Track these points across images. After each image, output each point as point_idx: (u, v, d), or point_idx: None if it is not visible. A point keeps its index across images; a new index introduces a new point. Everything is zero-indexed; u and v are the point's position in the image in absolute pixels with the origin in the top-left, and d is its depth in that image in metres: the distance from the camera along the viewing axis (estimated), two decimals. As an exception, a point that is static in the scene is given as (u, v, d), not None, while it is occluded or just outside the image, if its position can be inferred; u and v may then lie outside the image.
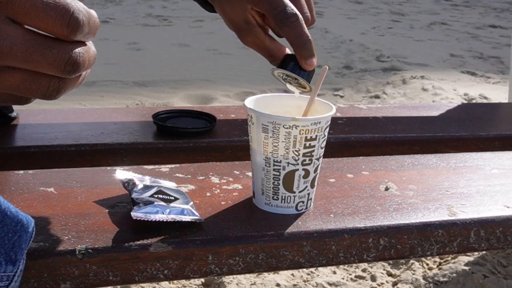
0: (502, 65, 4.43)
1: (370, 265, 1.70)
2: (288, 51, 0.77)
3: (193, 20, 5.95)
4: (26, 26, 0.44)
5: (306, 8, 0.76)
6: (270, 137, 0.67)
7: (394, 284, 1.61)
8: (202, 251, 0.63)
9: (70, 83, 0.47)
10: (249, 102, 0.71)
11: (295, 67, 0.73)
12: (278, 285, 1.57)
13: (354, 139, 1.06)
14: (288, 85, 0.77)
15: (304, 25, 0.73)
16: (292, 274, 1.64)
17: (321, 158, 0.71)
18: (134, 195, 0.67)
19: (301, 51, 0.72)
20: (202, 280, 1.59)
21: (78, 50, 0.46)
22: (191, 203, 0.69)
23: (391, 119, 1.17)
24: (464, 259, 1.67)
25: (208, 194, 0.75)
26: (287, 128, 0.66)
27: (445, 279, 1.60)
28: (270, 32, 0.80)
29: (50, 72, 0.45)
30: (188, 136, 1.00)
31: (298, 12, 0.72)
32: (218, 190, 0.76)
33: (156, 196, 0.68)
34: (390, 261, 1.71)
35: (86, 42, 0.47)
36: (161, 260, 0.62)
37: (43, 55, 0.44)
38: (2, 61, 0.43)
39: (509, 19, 6.92)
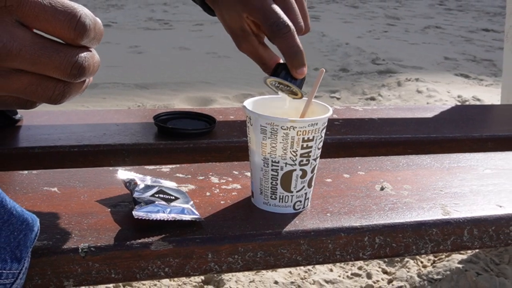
0: (495, 67, 4.43)
1: (366, 263, 1.70)
2: (281, 60, 0.78)
3: (193, 24, 5.96)
4: (34, 30, 0.45)
5: (300, 17, 0.76)
6: (268, 138, 0.67)
7: (390, 281, 1.61)
8: (202, 249, 0.63)
9: (74, 88, 0.48)
10: (248, 104, 0.71)
11: (287, 75, 0.73)
12: (276, 282, 1.57)
13: (350, 140, 1.06)
14: (280, 93, 0.77)
15: (296, 36, 0.73)
16: (290, 272, 1.64)
17: (318, 158, 0.71)
18: (135, 195, 0.68)
19: (292, 61, 0.72)
20: (202, 277, 1.59)
21: (83, 54, 0.46)
22: (191, 202, 0.69)
23: (386, 121, 1.18)
24: (457, 257, 1.67)
25: (207, 193, 0.75)
26: (285, 129, 0.66)
27: (439, 276, 1.60)
28: (266, 41, 0.80)
29: (56, 75, 0.45)
30: (188, 137, 1.00)
31: (290, 24, 0.72)
32: (218, 190, 0.76)
33: (157, 195, 0.68)
34: (386, 259, 1.71)
35: (91, 49, 0.48)
36: (162, 258, 0.62)
37: (50, 57, 0.44)
38: (11, 62, 0.44)
39: (502, 23, 6.92)
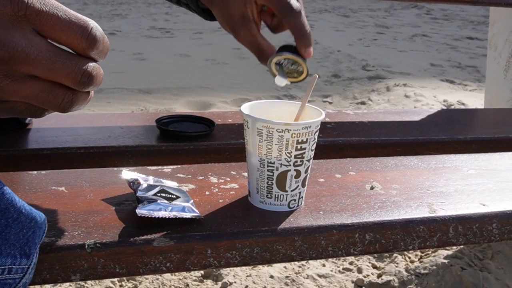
0: (478, 74, 4.44)
1: (356, 258, 1.70)
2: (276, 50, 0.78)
3: (193, 32, 5.95)
4: (48, 40, 0.46)
5: (302, 4, 0.78)
6: (265, 140, 0.67)
7: (379, 276, 1.62)
8: (202, 246, 0.63)
9: (81, 98, 0.49)
10: (245, 108, 0.71)
11: (296, 53, 0.74)
12: (271, 276, 1.57)
13: (342, 142, 1.06)
14: (278, 77, 0.76)
15: (305, 18, 0.74)
16: (285, 267, 1.64)
17: (311, 159, 0.71)
18: (139, 194, 0.68)
19: (303, 40, 0.74)
20: (202, 272, 1.59)
21: (92, 64, 0.48)
22: (191, 201, 0.69)
23: (376, 124, 1.18)
24: (443, 252, 1.68)
25: (207, 193, 0.75)
26: (280, 132, 0.66)
27: (426, 271, 1.60)
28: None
29: (67, 82, 0.47)
30: (188, 139, 1.00)
31: (300, 6, 0.74)
32: (216, 189, 0.76)
33: (159, 194, 0.68)
34: (375, 255, 1.71)
35: (97, 63, 0.49)
36: (163, 254, 0.62)
37: (63, 64, 0.46)
38: (27, 67, 0.45)
39: (485, 31, 6.93)
